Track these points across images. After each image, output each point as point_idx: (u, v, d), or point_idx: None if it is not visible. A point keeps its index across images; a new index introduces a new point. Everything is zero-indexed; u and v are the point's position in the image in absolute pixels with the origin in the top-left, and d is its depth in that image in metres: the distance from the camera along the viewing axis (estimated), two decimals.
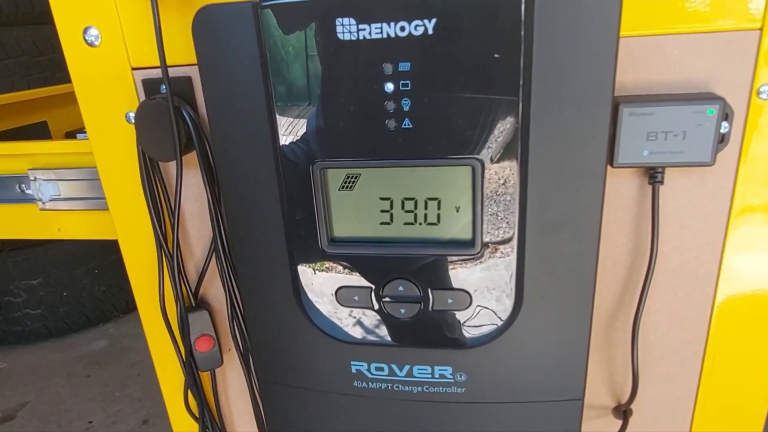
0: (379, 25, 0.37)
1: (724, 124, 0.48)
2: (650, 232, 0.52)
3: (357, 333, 0.48)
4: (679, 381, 0.60)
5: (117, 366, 2.05)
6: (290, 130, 0.42)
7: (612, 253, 0.54)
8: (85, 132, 1.24)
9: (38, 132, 1.42)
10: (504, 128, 0.39)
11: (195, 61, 0.55)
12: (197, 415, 0.71)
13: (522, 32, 0.36)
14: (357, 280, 0.45)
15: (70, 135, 1.46)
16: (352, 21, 0.37)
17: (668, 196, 0.52)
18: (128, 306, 2.36)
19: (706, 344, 0.58)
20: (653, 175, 0.50)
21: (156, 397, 1.87)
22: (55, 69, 1.86)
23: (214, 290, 0.66)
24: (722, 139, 0.49)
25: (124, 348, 2.15)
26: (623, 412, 0.60)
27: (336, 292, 0.46)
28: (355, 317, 0.47)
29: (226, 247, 0.61)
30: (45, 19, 1.84)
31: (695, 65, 0.48)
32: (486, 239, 0.42)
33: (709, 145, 0.48)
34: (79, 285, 2.17)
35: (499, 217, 0.41)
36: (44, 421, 1.80)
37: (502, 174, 0.40)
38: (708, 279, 0.55)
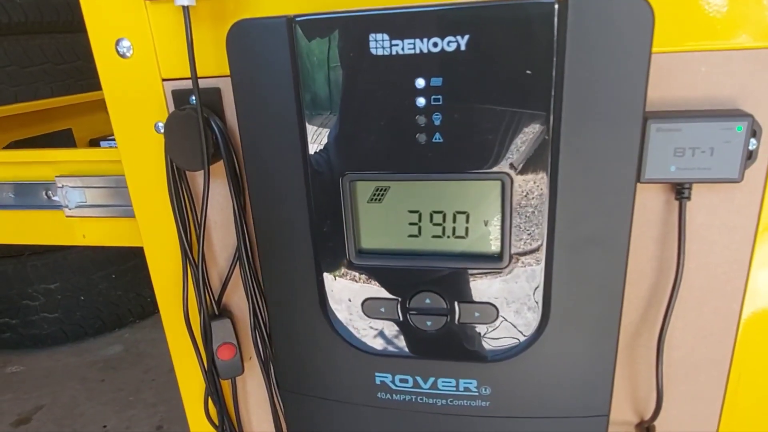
0: (411, 41, 0.38)
1: (753, 140, 0.48)
2: (676, 247, 0.52)
3: (382, 345, 0.48)
4: (704, 398, 0.59)
5: (131, 371, 2.07)
6: (320, 142, 0.42)
7: (636, 269, 0.54)
8: (108, 139, 1.26)
9: (63, 139, 1.44)
10: (534, 143, 0.39)
11: (224, 72, 0.56)
12: (217, 422, 0.72)
13: (554, 48, 0.36)
14: (384, 291, 0.46)
15: (94, 142, 1.49)
16: (386, 37, 0.38)
17: (695, 212, 0.52)
18: (144, 311, 2.37)
19: (731, 362, 0.57)
20: (680, 191, 0.50)
21: (170, 403, 1.88)
22: (78, 77, 1.90)
23: (237, 298, 0.67)
24: (750, 156, 0.49)
25: (138, 353, 2.17)
26: (646, 428, 0.59)
27: (362, 304, 0.46)
28: (380, 329, 0.47)
29: (250, 257, 0.62)
30: (69, 28, 1.88)
31: (723, 82, 0.48)
32: (514, 253, 0.42)
33: (737, 161, 0.48)
34: (96, 290, 2.19)
35: (527, 231, 0.42)
36: (59, 425, 1.81)
37: (532, 188, 0.40)
38: (734, 296, 0.54)
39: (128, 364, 2.12)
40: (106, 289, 2.23)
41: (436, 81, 0.38)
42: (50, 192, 0.79)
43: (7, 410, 1.90)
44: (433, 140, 0.40)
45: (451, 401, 0.48)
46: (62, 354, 2.20)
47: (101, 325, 2.27)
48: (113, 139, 1.28)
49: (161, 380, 2.00)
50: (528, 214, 0.41)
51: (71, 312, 2.19)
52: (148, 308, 2.40)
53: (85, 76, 1.91)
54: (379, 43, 0.38)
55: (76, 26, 1.89)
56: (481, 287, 0.44)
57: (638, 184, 0.47)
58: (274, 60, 0.41)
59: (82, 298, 2.19)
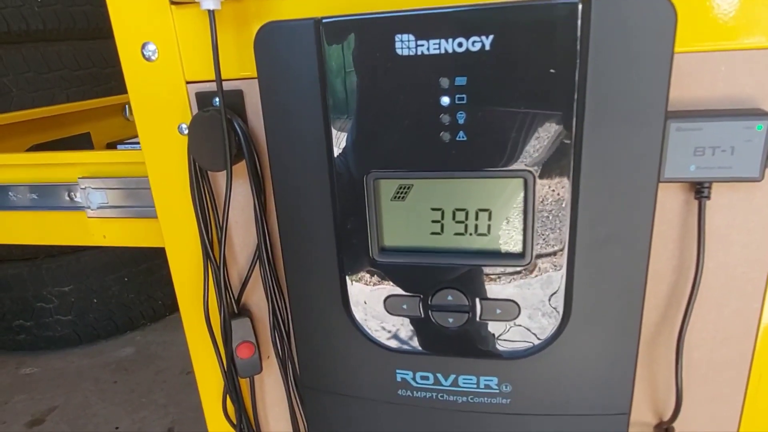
0: (437, 41, 0.38)
1: None
2: (696, 247, 0.52)
3: (403, 342, 0.48)
4: (724, 399, 0.59)
5: (143, 373, 2.08)
6: (345, 141, 0.43)
7: (656, 268, 0.54)
8: (125, 143, 1.28)
9: (83, 142, 1.47)
10: (557, 142, 0.39)
11: (246, 75, 0.57)
12: (234, 421, 0.72)
13: (578, 48, 0.37)
14: (406, 289, 0.46)
15: (111, 145, 1.51)
16: (411, 37, 0.39)
17: (714, 211, 0.52)
18: (155, 314, 2.39)
19: (751, 362, 0.57)
20: (700, 190, 0.50)
21: (181, 405, 1.89)
22: (93, 83, 1.93)
23: (256, 297, 0.68)
24: None
25: (150, 355, 2.18)
26: (665, 430, 0.59)
27: (385, 301, 0.47)
28: (402, 326, 0.48)
29: (271, 256, 0.63)
30: (86, 35, 1.91)
31: (744, 81, 0.48)
32: (536, 251, 0.43)
33: (757, 160, 0.48)
34: (109, 292, 2.22)
35: (549, 230, 0.42)
36: (72, 426, 1.83)
37: (554, 187, 0.41)
38: (755, 296, 0.54)
39: (140, 365, 2.13)
40: (118, 292, 2.25)
41: (461, 80, 0.39)
42: (72, 193, 0.80)
43: (21, 411, 1.92)
44: (457, 138, 0.40)
45: (471, 398, 0.48)
46: (75, 356, 2.22)
47: (114, 328, 2.29)
48: (130, 143, 1.30)
49: (172, 382, 2.02)
50: (550, 212, 0.42)
51: (84, 314, 2.21)
52: (160, 311, 2.42)
53: (101, 82, 1.94)
54: (405, 44, 0.39)
55: (92, 34, 1.92)
56: (503, 284, 0.44)
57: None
58: (301, 61, 0.42)
59: (95, 300, 2.21)
